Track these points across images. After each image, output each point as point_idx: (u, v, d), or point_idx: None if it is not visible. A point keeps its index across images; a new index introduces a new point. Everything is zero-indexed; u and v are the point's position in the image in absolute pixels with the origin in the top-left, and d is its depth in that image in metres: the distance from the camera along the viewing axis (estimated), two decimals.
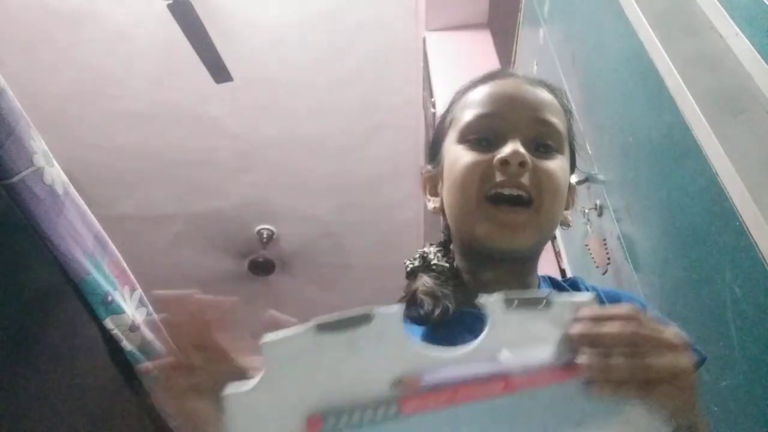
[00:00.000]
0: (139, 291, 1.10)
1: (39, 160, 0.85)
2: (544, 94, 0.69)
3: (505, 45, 2.32)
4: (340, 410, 0.38)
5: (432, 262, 0.69)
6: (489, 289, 0.63)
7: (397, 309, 0.40)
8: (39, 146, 0.87)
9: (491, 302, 0.42)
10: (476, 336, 0.46)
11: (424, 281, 0.66)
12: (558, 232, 1.76)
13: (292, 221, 3.73)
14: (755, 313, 0.70)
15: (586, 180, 1.34)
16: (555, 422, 0.41)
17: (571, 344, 0.41)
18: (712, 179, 0.78)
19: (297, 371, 0.38)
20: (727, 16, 0.82)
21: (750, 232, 0.70)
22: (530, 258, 0.67)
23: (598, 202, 1.30)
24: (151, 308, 1.13)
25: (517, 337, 0.42)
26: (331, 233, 3.77)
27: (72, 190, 0.95)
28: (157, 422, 1.06)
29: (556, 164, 0.64)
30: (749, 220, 0.70)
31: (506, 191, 0.60)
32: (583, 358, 0.40)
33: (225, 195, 3.52)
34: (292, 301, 4.29)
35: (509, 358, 0.41)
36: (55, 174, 0.90)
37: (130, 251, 1.32)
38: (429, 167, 0.76)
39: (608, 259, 1.25)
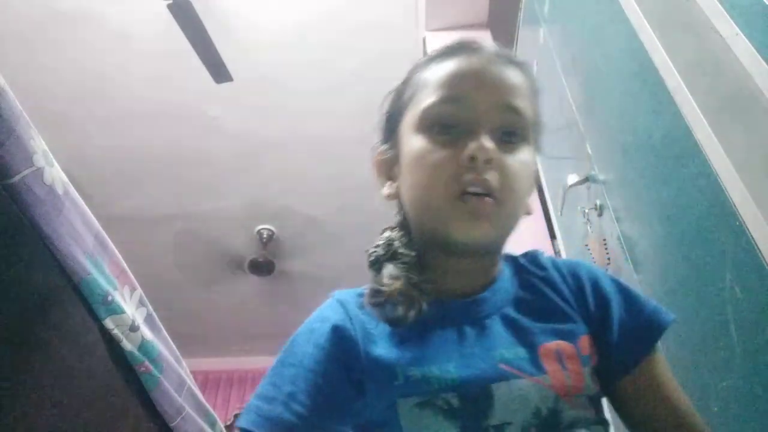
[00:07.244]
0: (139, 291, 1.10)
1: (39, 160, 0.85)
2: (514, 74, 0.65)
3: (505, 45, 2.31)
4: None
5: (398, 251, 0.66)
6: (453, 279, 0.65)
7: None
8: (39, 146, 0.86)
9: None
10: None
11: (391, 272, 0.64)
12: (558, 233, 1.76)
13: (292, 221, 3.72)
14: (755, 313, 0.70)
15: (586, 180, 1.34)
16: None
17: None
18: (712, 179, 0.78)
19: None
20: (727, 16, 0.82)
21: (750, 232, 0.70)
22: (492, 252, 0.66)
23: (598, 202, 1.30)
24: (150, 308, 1.13)
25: None
26: (331, 234, 3.77)
27: (72, 190, 0.95)
28: (157, 422, 1.05)
29: (522, 158, 0.62)
30: (749, 220, 0.70)
31: (472, 190, 0.58)
32: None
33: (225, 195, 3.52)
34: (291, 301, 4.29)
35: None
36: (55, 174, 0.90)
37: (130, 251, 1.31)
38: (383, 147, 0.71)
39: (608, 259, 1.25)
